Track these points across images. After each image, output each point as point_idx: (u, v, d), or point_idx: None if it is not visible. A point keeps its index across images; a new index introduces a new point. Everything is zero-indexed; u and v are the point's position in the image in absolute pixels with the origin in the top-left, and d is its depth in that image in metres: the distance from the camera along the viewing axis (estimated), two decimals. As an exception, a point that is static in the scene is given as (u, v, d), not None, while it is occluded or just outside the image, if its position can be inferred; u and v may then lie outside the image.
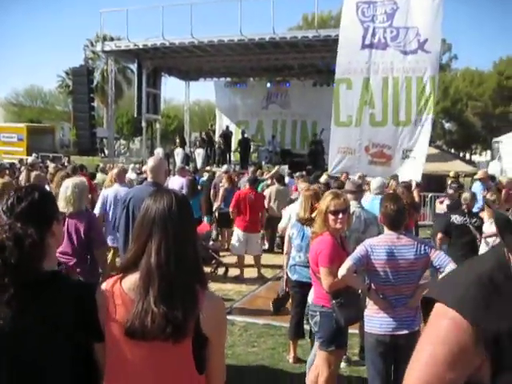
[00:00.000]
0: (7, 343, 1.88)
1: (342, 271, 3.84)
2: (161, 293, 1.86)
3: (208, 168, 16.13)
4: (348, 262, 3.85)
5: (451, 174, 14.84)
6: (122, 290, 1.94)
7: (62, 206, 4.66)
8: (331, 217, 4.17)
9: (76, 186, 4.81)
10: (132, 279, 1.95)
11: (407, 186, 9.03)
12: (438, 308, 1.44)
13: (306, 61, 22.73)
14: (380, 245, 3.86)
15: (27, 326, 1.88)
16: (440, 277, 3.93)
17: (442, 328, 1.41)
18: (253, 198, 9.56)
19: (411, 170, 15.32)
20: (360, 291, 4.17)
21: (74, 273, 4.49)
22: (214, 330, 1.95)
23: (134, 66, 26.25)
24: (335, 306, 4.03)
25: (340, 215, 4.17)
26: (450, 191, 9.91)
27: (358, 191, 6.17)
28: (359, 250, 3.90)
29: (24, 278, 1.85)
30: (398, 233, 3.91)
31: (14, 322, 1.86)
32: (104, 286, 2.01)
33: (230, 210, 9.75)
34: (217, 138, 24.45)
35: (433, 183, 15.49)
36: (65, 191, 4.75)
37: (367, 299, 4.11)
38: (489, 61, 70.24)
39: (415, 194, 10.16)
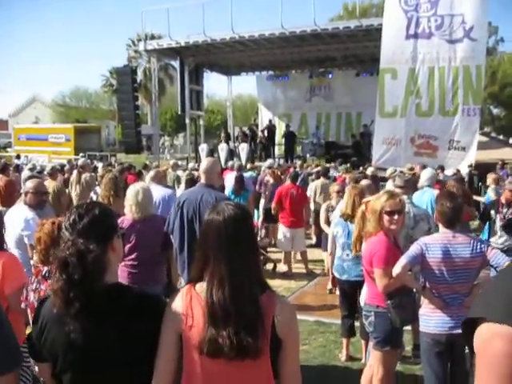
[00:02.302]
0: (79, 355, 1.97)
1: (397, 269, 3.80)
2: (227, 317, 1.89)
3: (249, 165, 16.12)
4: (403, 261, 3.80)
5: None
6: (197, 294, 1.99)
7: (134, 210, 4.74)
8: (386, 217, 4.12)
9: (146, 191, 4.88)
10: (203, 285, 2.00)
11: (458, 178, 8.84)
12: (484, 329, 1.20)
13: (349, 51, 22.46)
14: (435, 243, 3.79)
15: (97, 339, 1.95)
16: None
17: (496, 352, 1.16)
18: (295, 193, 9.49)
19: (460, 161, 15.05)
20: (415, 290, 4.11)
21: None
22: (289, 334, 1.98)
23: (175, 63, 26.46)
24: (391, 306, 3.98)
25: (396, 216, 4.12)
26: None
27: (408, 186, 6.08)
28: (414, 249, 3.84)
29: (88, 292, 1.90)
30: (454, 231, 3.83)
31: (84, 335, 1.94)
32: (180, 295, 2.05)
33: (273, 205, 9.76)
34: (260, 132, 24.48)
35: (483, 172, 15.09)
36: (135, 196, 4.77)
37: (422, 298, 4.05)
38: (538, 43, 67.90)
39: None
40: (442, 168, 12.71)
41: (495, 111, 51.09)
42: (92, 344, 1.95)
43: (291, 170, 13.69)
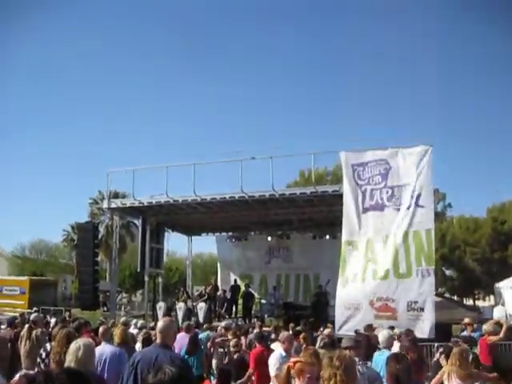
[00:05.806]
0: None
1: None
2: None
3: (206, 325, 15.95)
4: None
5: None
6: None
7: (73, 366, 4.74)
8: None
9: (87, 347, 4.89)
10: None
11: (413, 339, 8.96)
12: None
13: (305, 215, 23.29)
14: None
15: None
16: None
17: None
18: (266, 355, 8.70)
19: (419, 322, 15.32)
20: None
21: None
22: None
23: (137, 221, 26.91)
24: None
25: None
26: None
27: (359, 347, 6.23)
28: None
29: None
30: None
31: None
32: None
33: (251, 371, 9.06)
34: (221, 291, 24.40)
35: (438, 332, 15.29)
36: (76, 352, 4.79)
37: None
38: (482, 207, 72.56)
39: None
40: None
41: (447, 272, 52.59)
42: None
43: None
